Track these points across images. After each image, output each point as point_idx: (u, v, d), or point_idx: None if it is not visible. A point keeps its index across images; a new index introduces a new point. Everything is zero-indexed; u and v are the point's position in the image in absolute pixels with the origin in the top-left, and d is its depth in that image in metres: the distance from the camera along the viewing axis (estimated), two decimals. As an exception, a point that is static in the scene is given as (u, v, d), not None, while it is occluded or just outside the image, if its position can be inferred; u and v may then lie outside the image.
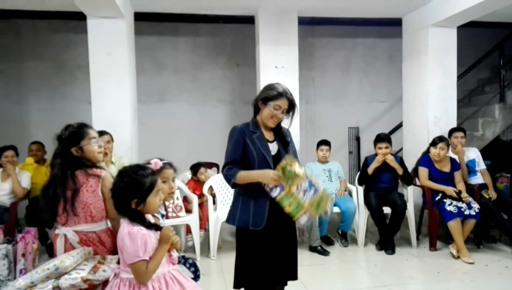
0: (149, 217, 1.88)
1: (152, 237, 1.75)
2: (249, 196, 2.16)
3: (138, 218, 1.76)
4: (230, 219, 2.25)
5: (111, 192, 1.82)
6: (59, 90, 5.73)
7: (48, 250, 3.88)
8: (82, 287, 1.77)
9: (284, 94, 2.17)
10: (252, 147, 2.16)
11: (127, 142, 4.08)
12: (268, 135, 2.25)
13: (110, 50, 4.06)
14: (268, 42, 4.66)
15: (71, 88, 5.71)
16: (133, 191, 1.75)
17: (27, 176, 4.06)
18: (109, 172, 2.07)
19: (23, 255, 2.05)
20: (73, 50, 5.62)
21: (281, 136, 2.28)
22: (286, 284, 2.30)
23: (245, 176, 2.11)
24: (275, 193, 2.05)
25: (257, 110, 2.26)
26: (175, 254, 1.97)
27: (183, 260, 2.24)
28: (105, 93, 4.06)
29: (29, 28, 5.64)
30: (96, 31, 4.05)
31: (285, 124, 2.32)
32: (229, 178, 2.14)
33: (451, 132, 4.41)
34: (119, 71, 4.10)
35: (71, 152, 1.99)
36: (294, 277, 2.30)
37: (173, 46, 6.03)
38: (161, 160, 2.09)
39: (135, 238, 1.68)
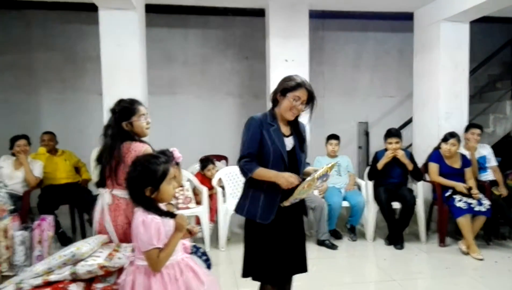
0: (162, 205, 1.91)
1: (166, 225, 1.78)
2: (260, 188, 2.12)
3: (152, 206, 1.78)
4: (238, 209, 2.23)
5: (126, 182, 1.85)
6: (70, 81, 5.77)
7: (60, 238, 3.94)
8: (99, 273, 1.80)
9: (303, 85, 2.12)
10: (268, 141, 2.11)
11: (137, 133, 4.11)
12: (285, 129, 2.20)
13: (121, 42, 4.07)
14: (278, 35, 4.65)
15: (82, 79, 5.74)
16: (147, 179, 1.78)
17: (40, 165, 4.11)
18: (151, 147, 2.20)
19: (39, 242, 2.09)
20: (84, 41, 5.65)
21: (298, 131, 2.23)
22: (292, 275, 2.29)
23: (263, 174, 2.08)
24: None
25: (275, 103, 2.21)
26: (188, 243, 2.00)
27: (195, 249, 2.26)
28: (116, 84, 4.07)
29: (41, 19, 5.67)
30: (108, 22, 4.06)
31: (302, 119, 2.28)
32: (245, 172, 2.12)
33: (468, 127, 4.38)
34: (130, 62, 4.11)
35: (121, 125, 2.14)
36: (304, 269, 2.29)
37: (183, 38, 6.04)
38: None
39: (149, 227, 1.71)
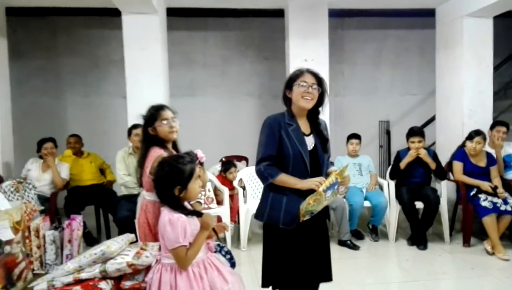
0: (188, 204, 1.96)
1: (192, 223, 1.82)
2: (281, 191, 2.02)
3: (179, 205, 1.83)
4: (259, 215, 2.12)
5: (153, 182, 1.91)
6: (94, 85, 5.92)
7: (85, 239, 4.04)
8: (127, 271, 1.85)
9: (304, 70, 2.07)
10: (287, 142, 2.01)
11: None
12: (305, 128, 2.11)
13: (144, 45, 4.17)
14: (297, 35, 4.66)
15: (105, 83, 5.89)
16: (176, 178, 1.83)
17: (66, 167, 4.24)
18: (174, 151, 2.27)
19: (69, 241, 2.16)
20: (107, 46, 5.79)
21: (318, 129, 2.13)
22: (318, 287, 2.18)
23: (285, 181, 1.99)
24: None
25: (288, 102, 2.13)
26: (212, 243, 2.05)
27: (219, 248, 2.30)
28: (140, 87, 4.17)
29: (65, 25, 5.84)
30: (131, 27, 4.17)
31: (322, 116, 2.21)
32: (266, 177, 2.02)
33: (494, 125, 4.28)
34: (153, 65, 4.21)
35: (148, 131, 2.23)
36: (328, 279, 2.18)
37: (203, 41, 6.11)
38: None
39: (175, 225, 1.76)
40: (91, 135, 5.13)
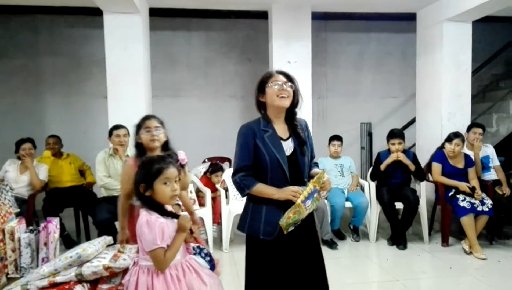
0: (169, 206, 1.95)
1: (170, 225, 1.81)
2: (261, 202, 1.96)
3: (155, 206, 1.82)
4: (240, 225, 2.07)
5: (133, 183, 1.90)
6: (75, 84, 5.83)
7: (64, 241, 3.99)
8: (104, 274, 1.83)
9: (273, 71, 2.05)
10: (263, 150, 1.94)
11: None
12: (282, 132, 2.02)
13: (126, 45, 4.13)
14: (281, 37, 4.69)
15: (87, 83, 5.81)
16: (141, 176, 1.83)
17: (45, 168, 4.16)
18: (129, 162, 2.39)
19: (45, 244, 2.12)
20: (89, 45, 5.72)
21: (296, 131, 2.04)
22: None
23: (262, 191, 1.94)
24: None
25: (263, 108, 2.05)
26: (191, 245, 2.04)
27: (199, 250, 2.28)
28: (121, 87, 4.13)
29: (47, 24, 5.74)
30: (112, 26, 4.12)
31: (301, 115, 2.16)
32: (242, 188, 1.98)
33: (470, 127, 4.38)
34: (135, 66, 4.16)
35: (136, 139, 2.41)
36: (325, 289, 2.07)
37: (186, 41, 6.08)
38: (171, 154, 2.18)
39: (153, 227, 1.74)
40: (71, 135, 5.06)
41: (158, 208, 1.83)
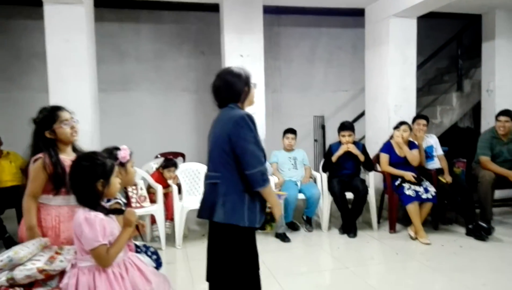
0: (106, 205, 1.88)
1: (111, 222, 1.75)
2: (254, 194, 2.02)
3: (98, 204, 1.75)
4: (234, 218, 1.99)
5: (70, 181, 1.80)
6: (16, 79, 5.50)
7: (6, 244, 3.76)
8: (38, 277, 1.73)
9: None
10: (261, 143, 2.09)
11: (87, 132, 3.93)
12: None
13: (68, 37, 3.92)
14: (233, 30, 4.64)
15: (28, 77, 5.49)
16: (98, 172, 1.76)
17: (-18, 168, 3.89)
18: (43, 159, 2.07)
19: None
20: (30, 37, 5.40)
21: None
22: None
23: (270, 193, 2.05)
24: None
25: (240, 99, 2.15)
26: (133, 243, 1.98)
27: (145, 249, 2.23)
28: (64, 81, 3.92)
29: (-19, 14, 5.36)
30: (53, 17, 3.90)
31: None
32: (264, 180, 1.99)
33: (415, 119, 4.56)
34: (78, 59, 3.97)
35: (45, 135, 2.09)
36: None
37: (135, 34, 5.90)
38: (117, 148, 2.09)
39: (93, 223, 1.68)
40: (12, 133, 4.73)
41: (101, 206, 1.77)
